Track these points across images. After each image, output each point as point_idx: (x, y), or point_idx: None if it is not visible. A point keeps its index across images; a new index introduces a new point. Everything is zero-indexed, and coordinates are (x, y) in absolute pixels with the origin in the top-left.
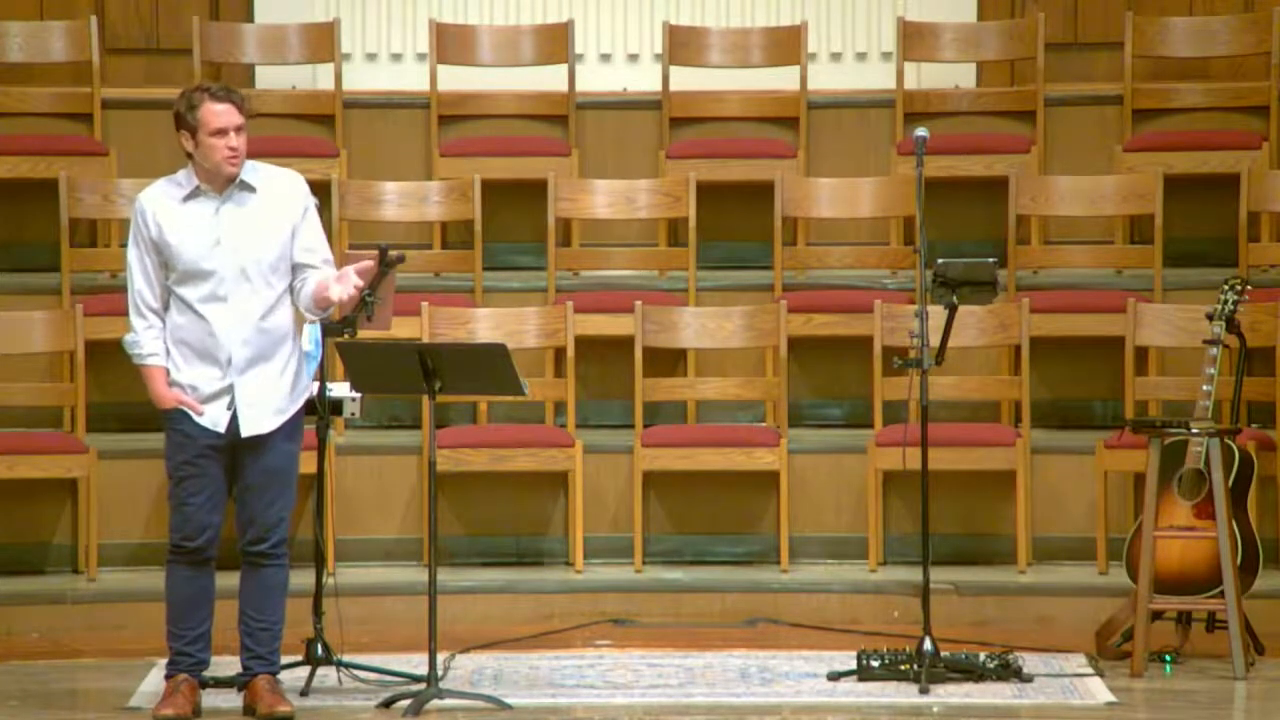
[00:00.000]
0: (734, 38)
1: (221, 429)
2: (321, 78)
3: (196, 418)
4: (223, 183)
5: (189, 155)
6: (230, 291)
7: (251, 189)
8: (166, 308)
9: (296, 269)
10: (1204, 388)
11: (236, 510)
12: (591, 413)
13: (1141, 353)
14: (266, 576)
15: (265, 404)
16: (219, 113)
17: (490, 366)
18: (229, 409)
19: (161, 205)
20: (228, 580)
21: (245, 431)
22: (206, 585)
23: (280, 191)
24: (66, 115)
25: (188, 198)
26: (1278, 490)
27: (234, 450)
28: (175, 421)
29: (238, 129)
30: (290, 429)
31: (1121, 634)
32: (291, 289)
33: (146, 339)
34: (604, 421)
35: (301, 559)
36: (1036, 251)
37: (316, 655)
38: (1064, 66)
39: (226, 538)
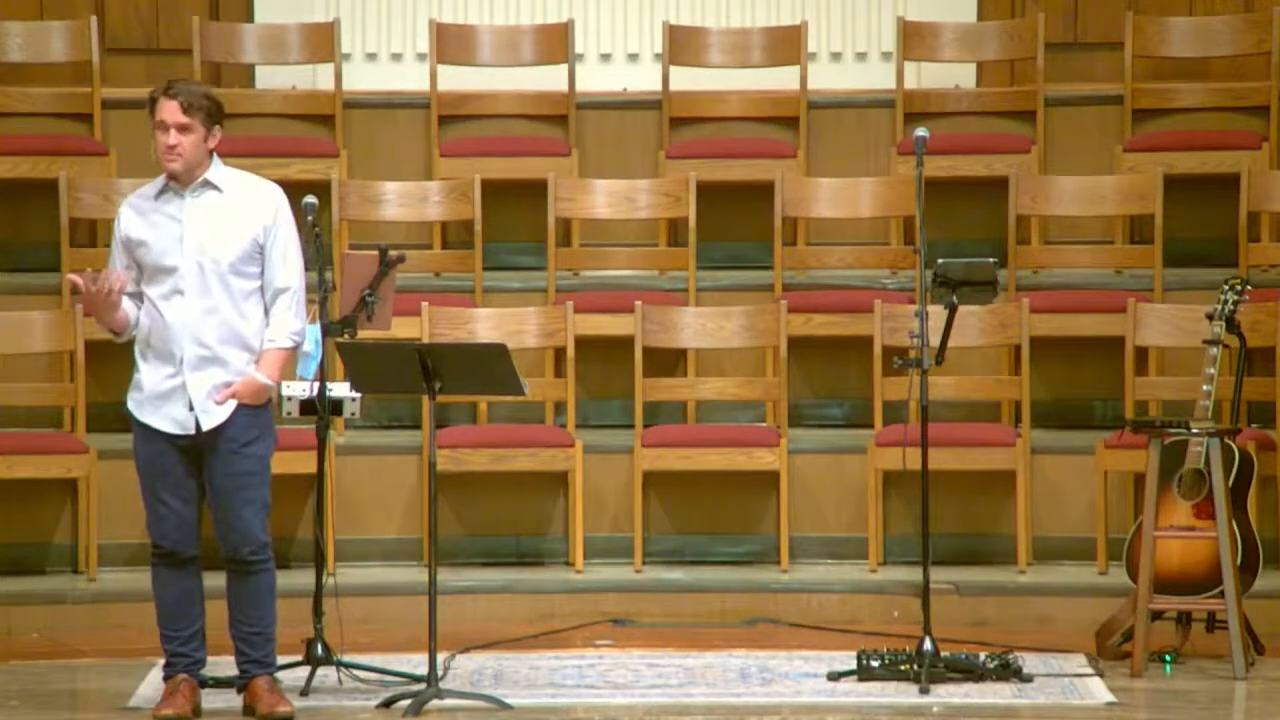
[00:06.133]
0: (734, 38)
1: (191, 430)
2: (321, 78)
3: (156, 423)
4: (185, 180)
5: None
6: (189, 288)
7: (217, 188)
8: (138, 301)
9: (266, 292)
10: (1204, 388)
11: (212, 519)
12: (591, 413)
13: (1141, 353)
14: (252, 582)
15: (215, 402)
16: (161, 108)
17: (490, 366)
18: (190, 410)
19: (135, 207)
20: (219, 580)
21: (205, 425)
22: (191, 586)
23: (249, 197)
24: (66, 115)
25: (159, 194)
26: (1278, 490)
27: (198, 452)
28: (137, 421)
29: (180, 127)
30: (254, 431)
31: (1121, 634)
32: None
33: None
34: (604, 421)
35: (301, 559)
36: (1036, 251)
37: (316, 655)
38: (1064, 66)
39: (210, 536)
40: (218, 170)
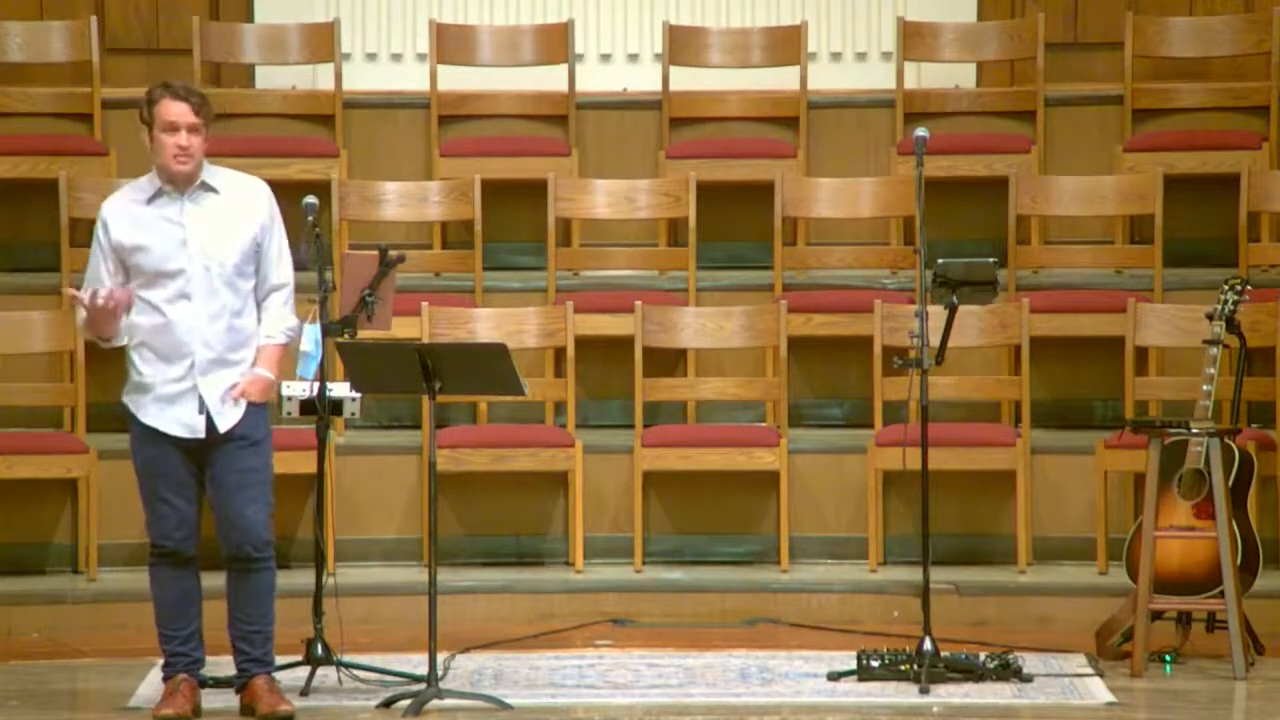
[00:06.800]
0: (734, 38)
1: (201, 433)
2: (321, 78)
3: (161, 425)
4: (184, 183)
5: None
6: (196, 291)
7: (214, 190)
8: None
9: (260, 289)
10: (1204, 388)
11: (215, 518)
12: (591, 413)
13: (1141, 353)
14: (254, 580)
15: (231, 403)
16: (170, 109)
17: (490, 366)
18: (201, 412)
19: (125, 211)
20: (216, 580)
21: (222, 428)
22: (190, 586)
23: (244, 196)
24: (66, 115)
25: (151, 200)
26: (1278, 490)
27: (202, 451)
28: (138, 421)
29: (191, 128)
30: (258, 429)
31: (1121, 634)
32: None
33: None
34: (604, 421)
35: (301, 559)
36: (1036, 251)
37: (316, 655)
38: (1064, 66)
39: (209, 536)
40: (211, 172)
